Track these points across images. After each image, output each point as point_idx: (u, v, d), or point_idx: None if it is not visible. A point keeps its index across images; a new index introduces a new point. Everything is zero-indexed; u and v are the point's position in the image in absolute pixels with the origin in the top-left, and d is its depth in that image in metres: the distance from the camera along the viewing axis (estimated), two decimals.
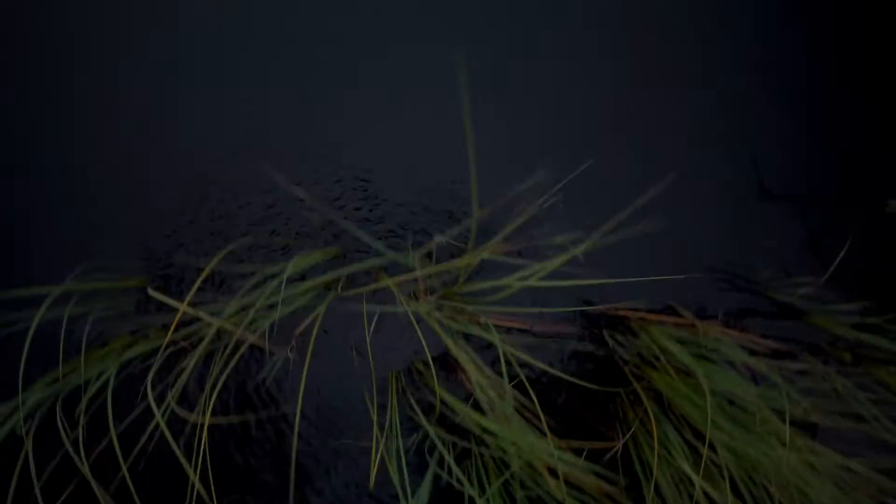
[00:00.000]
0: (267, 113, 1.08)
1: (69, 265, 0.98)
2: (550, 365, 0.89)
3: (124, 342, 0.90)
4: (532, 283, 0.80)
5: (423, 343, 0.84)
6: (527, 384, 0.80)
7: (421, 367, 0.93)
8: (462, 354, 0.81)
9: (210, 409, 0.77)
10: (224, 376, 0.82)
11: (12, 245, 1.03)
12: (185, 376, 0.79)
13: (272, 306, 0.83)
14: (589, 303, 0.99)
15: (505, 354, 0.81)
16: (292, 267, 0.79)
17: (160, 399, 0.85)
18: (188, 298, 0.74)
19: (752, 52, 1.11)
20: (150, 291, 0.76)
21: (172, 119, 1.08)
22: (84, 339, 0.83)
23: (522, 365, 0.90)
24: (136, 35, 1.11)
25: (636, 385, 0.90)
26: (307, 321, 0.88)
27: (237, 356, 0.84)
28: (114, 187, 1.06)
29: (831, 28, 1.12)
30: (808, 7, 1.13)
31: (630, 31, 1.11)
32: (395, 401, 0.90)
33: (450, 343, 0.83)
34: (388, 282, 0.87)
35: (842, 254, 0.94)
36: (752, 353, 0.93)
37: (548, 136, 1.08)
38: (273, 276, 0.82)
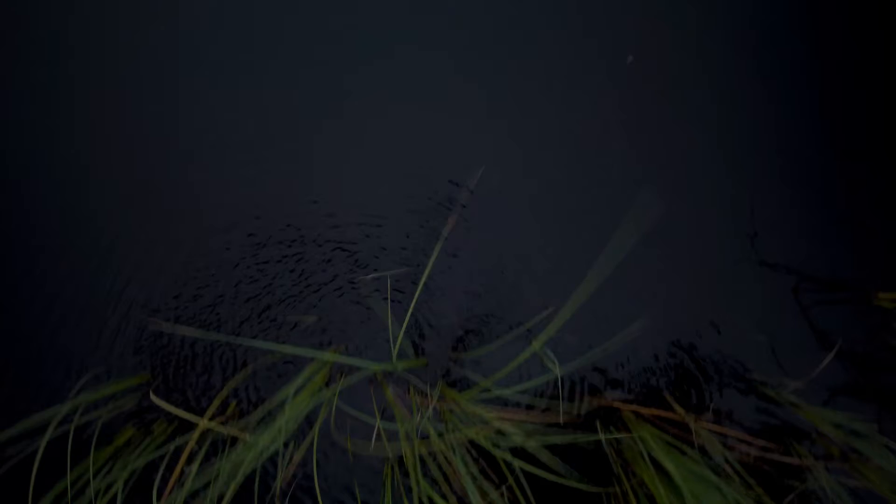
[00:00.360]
0: (267, 113, 1.09)
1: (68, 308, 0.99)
2: (544, 456, 0.89)
3: (129, 434, 0.91)
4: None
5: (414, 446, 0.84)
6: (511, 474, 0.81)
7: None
8: (462, 472, 0.82)
9: None
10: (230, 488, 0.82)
11: (12, 245, 1.03)
12: (188, 483, 0.80)
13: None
14: (581, 394, 0.98)
15: (499, 446, 0.83)
16: (294, 388, 0.82)
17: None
18: (207, 415, 0.76)
19: (753, 51, 1.11)
20: (153, 398, 0.79)
21: (172, 119, 1.08)
22: (92, 446, 0.85)
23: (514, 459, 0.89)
24: (136, 35, 1.11)
25: (626, 484, 0.90)
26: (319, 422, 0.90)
27: (243, 469, 0.83)
28: (114, 187, 1.06)
29: (831, 28, 1.12)
30: (809, 7, 1.13)
31: (630, 30, 1.11)
32: (389, 492, 0.91)
33: (456, 461, 0.83)
34: (388, 395, 0.90)
35: (832, 354, 0.95)
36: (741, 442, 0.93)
37: (548, 135, 1.08)
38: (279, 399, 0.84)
